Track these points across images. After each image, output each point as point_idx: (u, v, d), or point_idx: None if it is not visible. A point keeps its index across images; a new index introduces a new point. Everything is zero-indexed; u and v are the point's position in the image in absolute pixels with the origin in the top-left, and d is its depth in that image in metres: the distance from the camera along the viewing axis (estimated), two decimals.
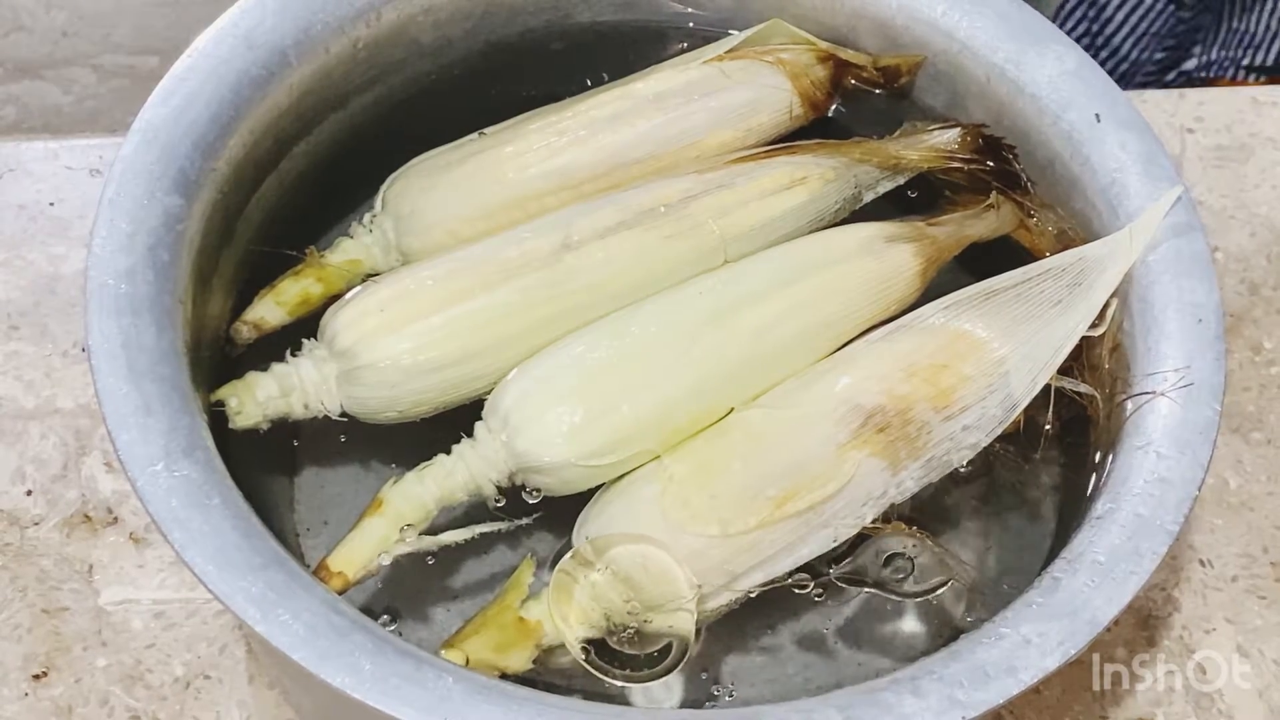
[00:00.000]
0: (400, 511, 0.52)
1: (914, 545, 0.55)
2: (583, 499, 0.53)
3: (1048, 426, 0.56)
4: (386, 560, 0.52)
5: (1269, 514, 0.65)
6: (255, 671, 0.59)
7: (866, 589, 0.55)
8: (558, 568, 0.52)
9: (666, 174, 0.60)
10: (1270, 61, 1.09)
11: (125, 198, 0.53)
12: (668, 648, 0.52)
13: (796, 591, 0.54)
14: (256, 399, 0.54)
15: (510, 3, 0.65)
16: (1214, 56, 1.10)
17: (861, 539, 0.56)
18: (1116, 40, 1.11)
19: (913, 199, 0.63)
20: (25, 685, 0.58)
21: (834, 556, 0.54)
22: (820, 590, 0.55)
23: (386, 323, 0.54)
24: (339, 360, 0.54)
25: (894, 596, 0.55)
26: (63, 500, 0.63)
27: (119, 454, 0.48)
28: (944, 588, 0.55)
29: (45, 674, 0.58)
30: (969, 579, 0.56)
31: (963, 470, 0.56)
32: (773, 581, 0.52)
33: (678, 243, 0.57)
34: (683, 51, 0.65)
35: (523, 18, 0.65)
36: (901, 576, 0.55)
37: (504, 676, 0.50)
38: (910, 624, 0.56)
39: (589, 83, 0.65)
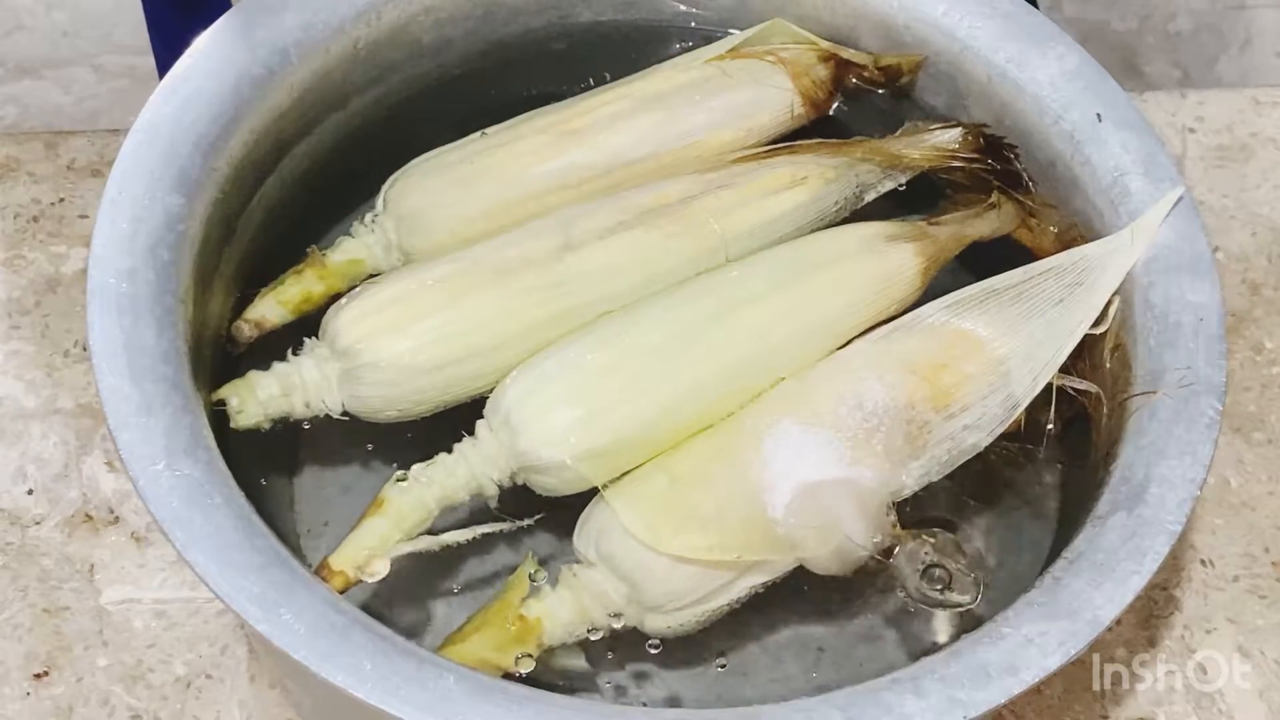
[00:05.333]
0: (402, 511, 0.52)
1: (934, 546, 0.55)
2: (584, 499, 0.53)
3: (1049, 426, 0.56)
4: (388, 559, 0.52)
5: (1270, 514, 0.65)
6: (256, 671, 0.59)
7: (908, 600, 0.55)
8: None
9: (668, 174, 0.60)
10: None
11: (126, 197, 0.53)
12: None
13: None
14: (258, 398, 0.54)
15: (511, 2, 0.65)
16: None
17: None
18: None
19: (914, 199, 0.63)
20: (26, 685, 0.58)
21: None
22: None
23: (388, 322, 0.54)
24: (340, 359, 0.54)
25: (933, 608, 0.55)
26: (64, 500, 0.63)
27: (120, 453, 0.48)
28: (980, 596, 0.55)
29: (46, 673, 0.58)
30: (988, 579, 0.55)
31: (963, 469, 0.56)
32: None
33: (679, 242, 0.57)
34: (684, 51, 0.65)
35: (524, 17, 0.65)
36: (940, 587, 0.55)
37: (505, 676, 0.50)
38: (911, 624, 0.56)
39: (590, 82, 0.65)
